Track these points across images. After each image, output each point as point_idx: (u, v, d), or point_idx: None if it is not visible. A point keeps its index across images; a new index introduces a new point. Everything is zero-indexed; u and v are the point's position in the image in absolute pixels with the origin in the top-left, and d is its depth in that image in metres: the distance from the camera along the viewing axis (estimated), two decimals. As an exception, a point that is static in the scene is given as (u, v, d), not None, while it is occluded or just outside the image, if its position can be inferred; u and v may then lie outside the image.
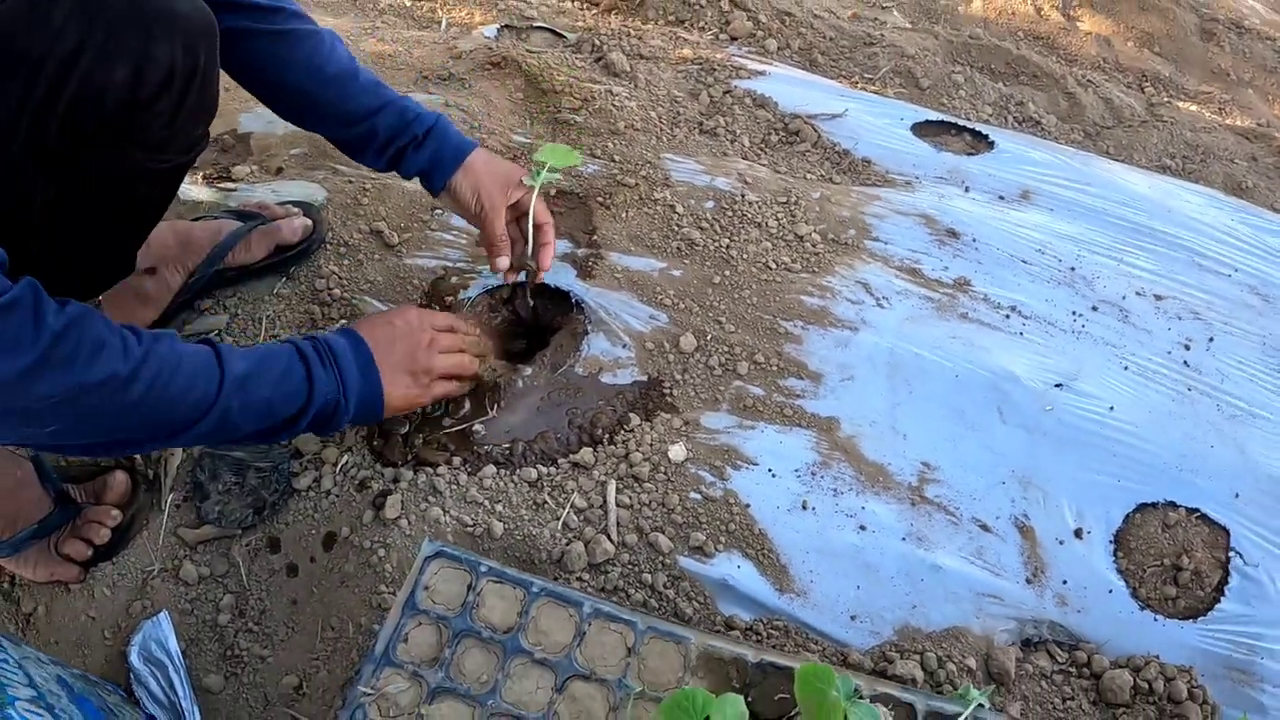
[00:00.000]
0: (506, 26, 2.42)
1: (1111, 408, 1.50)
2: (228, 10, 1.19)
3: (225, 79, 1.20)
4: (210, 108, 1.10)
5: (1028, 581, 1.31)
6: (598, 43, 2.31)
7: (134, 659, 1.16)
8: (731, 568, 1.27)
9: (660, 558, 1.27)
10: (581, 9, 2.67)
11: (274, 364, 1.09)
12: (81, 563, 1.24)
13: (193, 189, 1.70)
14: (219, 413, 1.01)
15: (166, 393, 0.96)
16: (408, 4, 2.58)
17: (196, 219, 1.56)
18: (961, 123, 2.16)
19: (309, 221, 1.57)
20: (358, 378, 1.16)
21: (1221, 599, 1.32)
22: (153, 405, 0.95)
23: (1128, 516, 1.39)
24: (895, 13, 2.91)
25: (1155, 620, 1.30)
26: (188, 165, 1.15)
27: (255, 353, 1.08)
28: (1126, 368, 1.58)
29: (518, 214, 1.46)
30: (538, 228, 1.45)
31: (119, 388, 0.92)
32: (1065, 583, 1.31)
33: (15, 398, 0.86)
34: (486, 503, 1.30)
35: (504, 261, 1.42)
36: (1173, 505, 1.41)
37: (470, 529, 1.26)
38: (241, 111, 1.91)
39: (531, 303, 1.57)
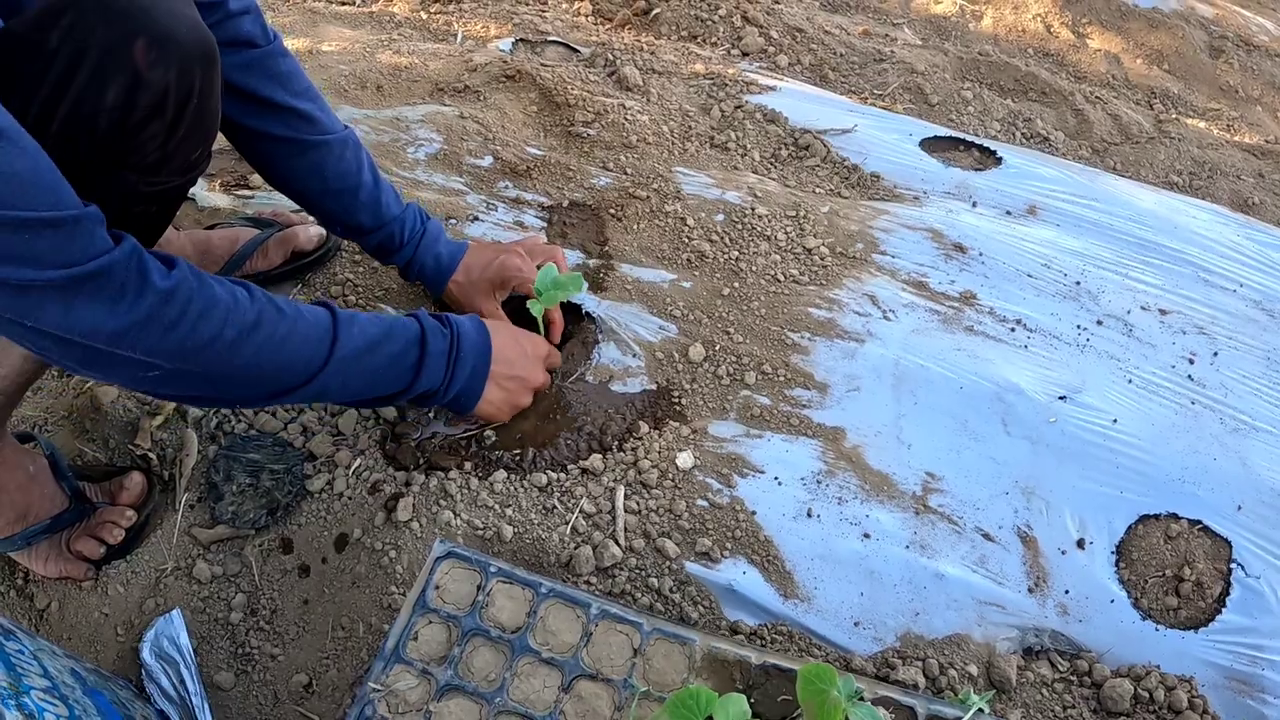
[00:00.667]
0: (521, 41, 2.45)
1: (1115, 420, 1.51)
2: (246, 106, 1.22)
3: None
4: (209, 131, 1.09)
5: (1030, 590, 1.32)
6: (611, 57, 2.34)
7: (146, 655, 1.18)
8: (737, 573, 1.29)
9: (667, 563, 1.29)
10: (596, 24, 2.71)
11: (389, 346, 1.15)
12: (94, 561, 1.25)
13: (211, 196, 1.74)
14: (318, 385, 1.07)
15: (271, 360, 1.01)
16: (424, 17, 2.62)
17: (213, 226, 1.59)
18: (970, 139, 2.18)
19: (323, 230, 1.60)
20: (465, 381, 1.26)
21: (1223, 610, 1.33)
22: (256, 370, 1.00)
23: (1130, 527, 1.40)
24: (906, 30, 2.94)
25: (1157, 630, 1.31)
26: (186, 186, 1.15)
27: (376, 327, 1.14)
28: (1130, 381, 1.59)
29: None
30: (548, 325, 1.52)
31: (224, 350, 0.96)
32: (1067, 592, 1.32)
33: (118, 348, 0.90)
34: (497, 507, 1.32)
35: None
36: (1175, 517, 1.42)
37: (480, 532, 1.28)
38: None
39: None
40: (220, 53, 1.03)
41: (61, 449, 1.31)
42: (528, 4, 2.80)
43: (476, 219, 1.76)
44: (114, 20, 0.91)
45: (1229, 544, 1.39)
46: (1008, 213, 1.96)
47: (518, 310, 1.49)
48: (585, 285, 1.55)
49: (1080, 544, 1.37)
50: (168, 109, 0.97)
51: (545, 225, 1.79)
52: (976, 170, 2.09)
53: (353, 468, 1.35)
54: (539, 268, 1.45)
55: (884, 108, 2.36)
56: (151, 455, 1.36)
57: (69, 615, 1.25)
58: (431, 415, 1.42)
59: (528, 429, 1.43)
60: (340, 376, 1.09)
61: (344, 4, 2.76)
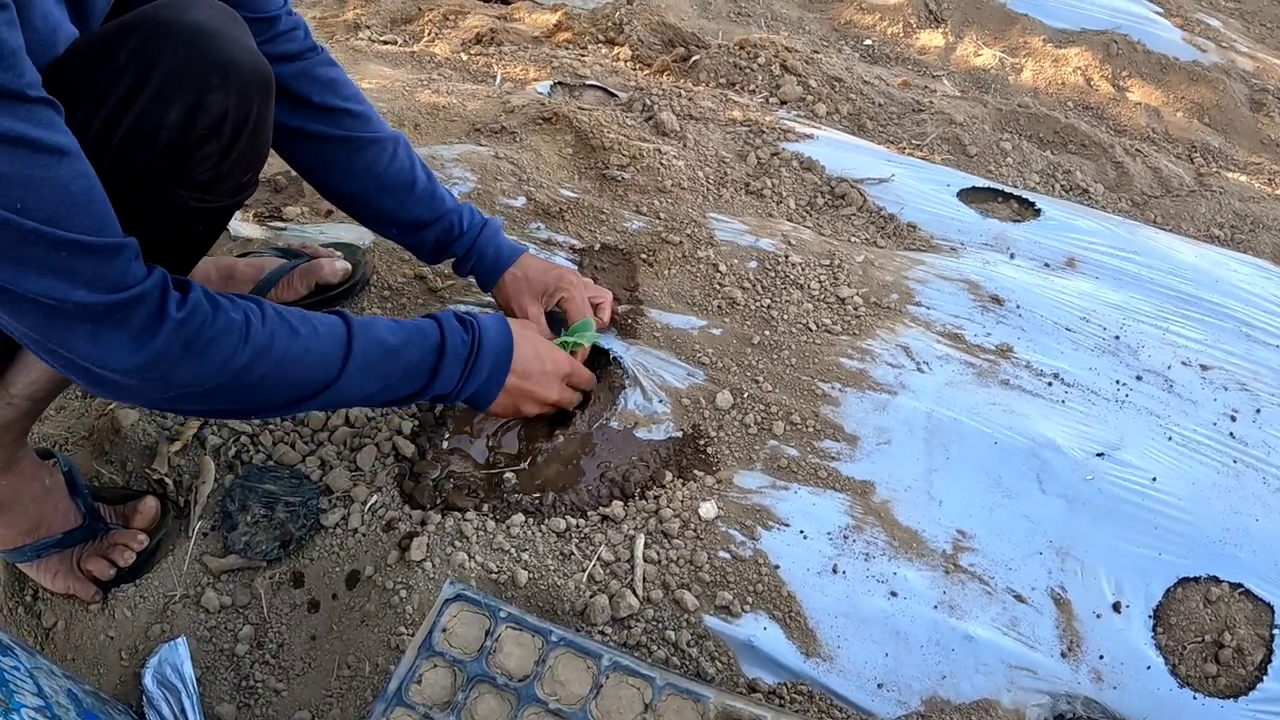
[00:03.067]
0: (560, 84, 2.47)
1: (1154, 479, 1.46)
2: (300, 111, 1.27)
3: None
4: (259, 156, 1.13)
5: (1063, 655, 1.26)
6: (649, 102, 2.35)
7: (148, 681, 1.16)
8: (758, 629, 1.24)
9: (685, 615, 1.25)
10: (634, 69, 2.73)
11: (409, 354, 1.15)
12: (103, 582, 1.25)
13: (244, 226, 1.75)
14: (332, 395, 1.08)
15: (286, 377, 1.03)
16: (464, 59, 2.65)
17: (243, 255, 1.60)
18: (1008, 190, 2.16)
19: (349, 265, 1.60)
20: (482, 382, 1.25)
21: (1264, 678, 1.27)
22: (270, 386, 1.02)
23: (1168, 590, 1.35)
24: (945, 81, 2.93)
25: (1195, 699, 1.25)
26: (233, 208, 1.18)
27: (394, 336, 1.15)
28: (1171, 438, 1.54)
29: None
30: None
31: (238, 372, 0.98)
32: (1102, 657, 1.27)
33: (141, 376, 0.92)
34: (513, 550, 1.29)
35: None
36: (1215, 580, 1.36)
37: (495, 576, 1.26)
38: (291, 167, 1.96)
39: None
40: (274, 65, 1.08)
41: (80, 469, 1.31)
42: (567, 48, 2.83)
43: (507, 258, 1.75)
44: (181, 44, 0.96)
45: (1271, 609, 1.33)
46: (1046, 265, 1.92)
47: None
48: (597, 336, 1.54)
49: (1116, 607, 1.32)
50: (225, 131, 1.01)
51: (576, 268, 1.78)
52: (1015, 221, 2.06)
53: (369, 504, 1.33)
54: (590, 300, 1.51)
55: (922, 158, 2.34)
56: (168, 481, 1.35)
57: (74, 636, 1.24)
58: (449, 454, 1.39)
59: (549, 474, 1.40)
60: (354, 385, 1.10)
61: (386, 43, 2.81)
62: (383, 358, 1.12)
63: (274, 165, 1.84)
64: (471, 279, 1.53)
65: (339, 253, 1.61)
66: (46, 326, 0.86)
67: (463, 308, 1.65)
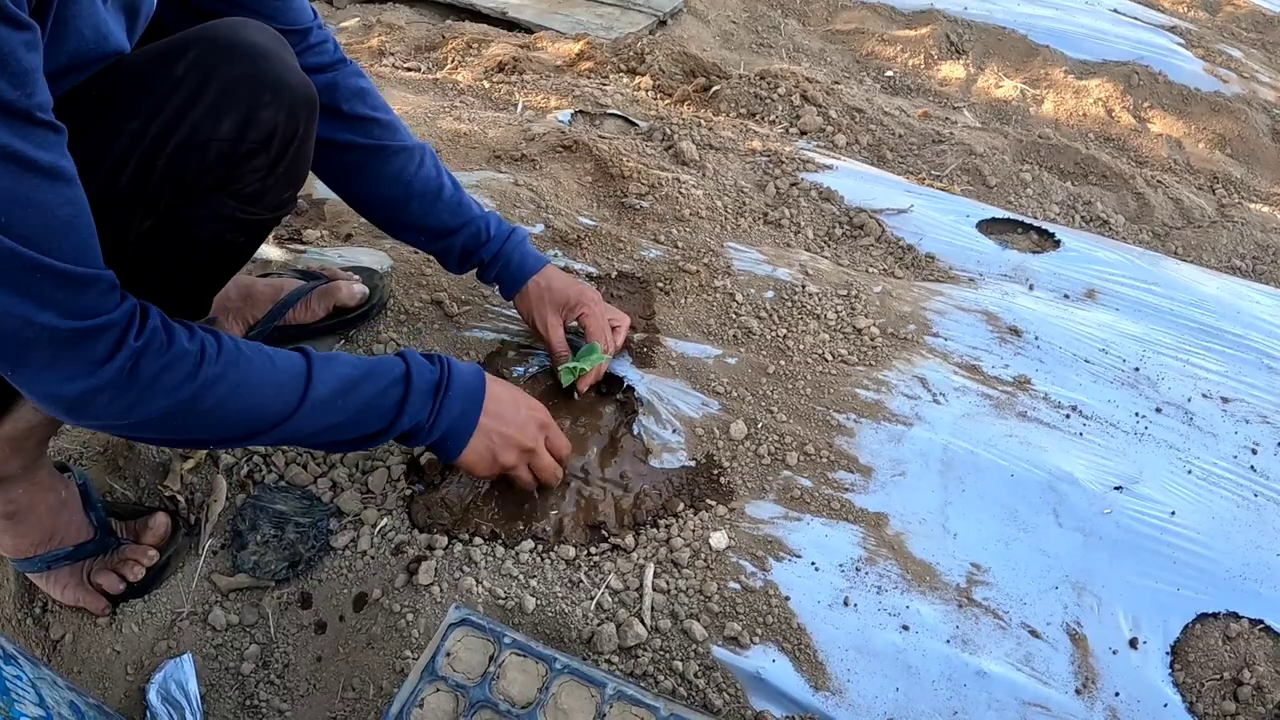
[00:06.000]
0: (580, 112, 2.49)
1: (1173, 513, 1.44)
2: (330, 120, 1.30)
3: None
4: (302, 173, 1.17)
5: (1077, 692, 1.23)
6: (669, 131, 2.36)
7: (152, 697, 1.16)
8: (766, 661, 1.23)
9: (693, 645, 1.23)
10: (655, 99, 2.74)
11: (369, 385, 1.13)
12: (112, 596, 1.25)
13: (265, 248, 1.77)
14: (289, 428, 1.06)
15: (235, 410, 1.01)
16: (486, 87, 2.68)
17: (263, 275, 1.62)
18: (1028, 221, 2.15)
19: (366, 289, 1.61)
20: (453, 422, 1.22)
21: (1286, 719, 1.23)
22: (218, 418, 1.01)
23: (1187, 627, 1.32)
24: (966, 113, 2.93)
25: (1214, 740, 1.22)
26: (273, 223, 1.21)
27: (356, 369, 1.13)
28: (1190, 471, 1.52)
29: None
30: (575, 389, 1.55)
31: (188, 400, 0.97)
32: (1118, 695, 1.24)
33: (91, 402, 0.92)
34: (521, 577, 1.28)
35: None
36: (1235, 616, 1.34)
37: (502, 601, 1.25)
38: (318, 178, 1.98)
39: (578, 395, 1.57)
40: (309, 77, 1.10)
41: (94, 483, 1.32)
42: (589, 77, 2.85)
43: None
44: (238, 61, 0.99)
45: (1293, 647, 1.30)
46: (1065, 296, 1.91)
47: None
48: (605, 358, 1.54)
49: (1133, 643, 1.29)
50: (273, 146, 1.04)
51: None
52: (1034, 253, 2.04)
53: (379, 527, 1.33)
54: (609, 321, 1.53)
55: (941, 188, 2.34)
56: (180, 498, 1.36)
57: (81, 648, 1.24)
58: (462, 483, 1.39)
59: (559, 501, 1.39)
60: (315, 418, 1.08)
61: (410, 70, 2.84)
62: (343, 389, 1.10)
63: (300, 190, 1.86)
64: (492, 293, 1.54)
65: (357, 276, 1.63)
66: (9, 346, 0.86)
67: (474, 331, 1.65)
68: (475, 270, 1.52)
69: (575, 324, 1.55)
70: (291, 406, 1.05)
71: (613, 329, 1.55)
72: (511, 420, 1.28)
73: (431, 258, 1.53)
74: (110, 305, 0.90)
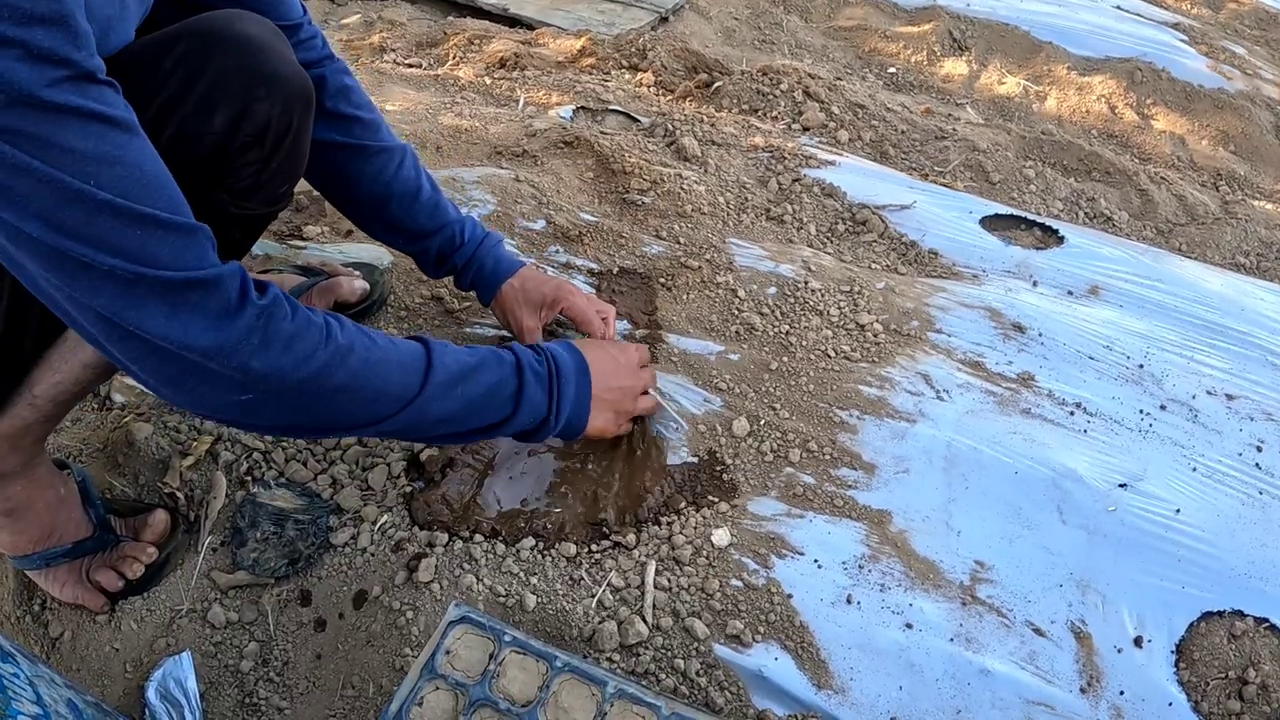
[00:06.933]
0: (582, 109, 2.48)
1: (1178, 510, 1.43)
2: (318, 120, 1.26)
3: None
4: (297, 168, 1.16)
5: (1082, 691, 1.23)
6: (671, 128, 2.35)
7: (151, 695, 1.15)
8: (768, 659, 1.22)
9: (695, 644, 1.23)
10: (657, 95, 2.74)
11: (487, 374, 1.12)
12: (111, 594, 1.25)
13: (265, 243, 1.76)
14: (415, 412, 1.04)
15: (366, 385, 0.99)
16: (488, 83, 2.67)
17: (264, 272, 1.61)
18: (1032, 217, 2.14)
19: (367, 285, 1.61)
20: (572, 402, 1.24)
21: (1291, 717, 1.23)
22: (348, 398, 0.98)
23: (1191, 625, 1.31)
24: (969, 109, 2.92)
25: (1219, 738, 1.21)
26: (269, 218, 1.20)
27: (473, 357, 1.12)
28: (1195, 469, 1.51)
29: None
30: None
31: (318, 371, 0.94)
32: (1122, 693, 1.23)
33: (214, 362, 0.88)
34: (521, 574, 1.28)
35: None
36: (1240, 614, 1.33)
37: (503, 599, 1.24)
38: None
39: None
40: None
41: (93, 480, 1.31)
42: (591, 74, 2.84)
43: (524, 280, 1.74)
44: (230, 53, 0.98)
45: (1298, 645, 1.30)
46: (1069, 293, 1.90)
47: None
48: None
49: (1138, 642, 1.28)
50: (266, 140, 1.03)
51: (594, 292, 1.77)
52: (1038, 249, 2.03)
53: (379, 524, 1.32)
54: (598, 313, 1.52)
55: (944, 185, 2.33)
56: (180, 495, 1.35)
57: (80, 646, 1.23)
58: (462, 480, 1.38)
59: (561, 498, 1.39)
60: (437, 403, 1.06)
61: (411, 66, 2.84)
62: (461, 375, 1.09)
63: (297, 185, 1.85)
64: (474, 294, 1.53)
65: (357, 272, 1.62)
66: (122, 305, 0.83)
67: (475, 328, 1.65)
68: (451, 277, 1.51)
69: (559, 319, 1.53)
70: (415, 388, 1.03)
71: (601, 319, 1.53)
72: (617, 374, 1.32)
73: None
74: (217, 261, 0.88)
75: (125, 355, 0.88)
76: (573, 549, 1.31)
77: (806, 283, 1.79)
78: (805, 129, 2.57)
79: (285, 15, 1.23)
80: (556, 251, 1.85)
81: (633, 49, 3.02)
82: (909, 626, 1.27)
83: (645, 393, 1.39)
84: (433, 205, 1.42)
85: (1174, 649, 1.29)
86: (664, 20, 3.54)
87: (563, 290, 1.51)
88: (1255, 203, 2.57)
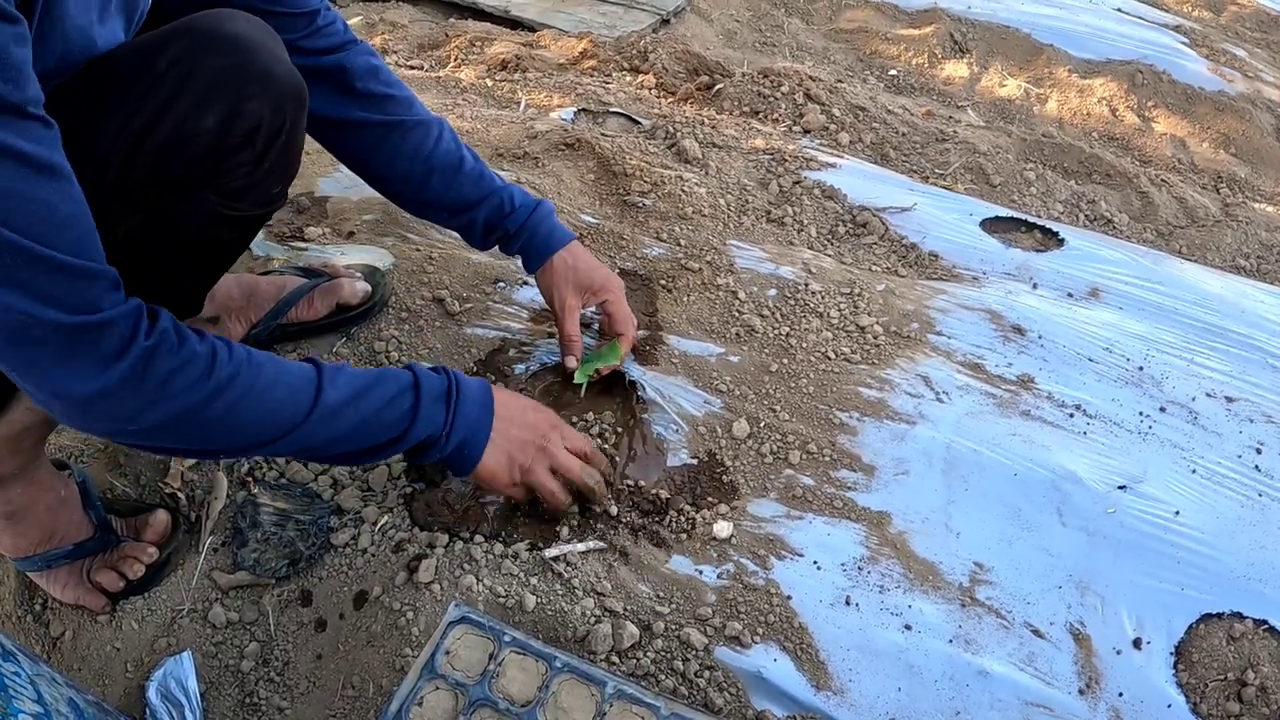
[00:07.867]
0: (583, 111, 2.49)
1: (1177, 512, 1.43)
2: (344, 100, 1.28)
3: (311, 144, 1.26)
4: (290, 168, 1.15)
5: (1080, 692, 1.23)
6: (671, 130, 2.35)
7: (151, 694, 1.15)
8: (767, 660, 1.22)
9: (694, 645, 1.23)
10: (658, 98, 2.74)
11: (381, 392, 1.10)
12: (112, 594, 1.25)
13: (267, 245, 1.76)
14: (303, 435, 1.03)
15: (246, 415, 0.98)
16: (489, 85, 2.67)
17: (265, 273, 1.62)
18: (1032, 220, 2.14)
19: (369, 287, 1.61)
20: (469, 428, 1.17)
21: (1289, 719, 1.23)
22: (230, 425, 0.98)
23: (1191, 627, 1.32)
24: (970, 112, 2.92)
25: (1217, 740, 1.21)
26: (263, 219, 1.20)
27: (364, 378, 1.10)
28: (1194, 471, 1.51)
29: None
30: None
31: (191, 408, 0.94)
32: (1121, 695, 1.23)
33: (102, 403, 0.89)
34: (521, 575, 1.28)
35: (572, 362, 1.50)
36: (1239, 616, 1.33)
37: (502, 600, 1.24)
38: (320, 176, 1.98)
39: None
40: (316, 57, 1.12)
41: (94, 481, 1.31)
42: (592, 76, 2.85)
43: (526, 284, 1.75)
44: (221, 53, 0.98)
45: (1296, 646, 1.30)
46: (1069, 295, 1.90)
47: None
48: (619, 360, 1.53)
49: (1137, 643, 1.29)
50: (259, 140, 1.02)
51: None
52: (1038, 251, 2.04)
53: (379, 525, 1.32)
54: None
55: (945, 187, 2.33)
56: (180, 495, 1.35)
57: (81, 646, 1.24)
58: (463, 481, 1.38)
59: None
60: (327, 426, 1.04)
61: (413, 68, 2.84)
62: (354, 396, 1.07)
63: (297, 186, 1.85)
64: (494, 290, 1.51)
65: (359, 274, 1.62)
66: (15, 345, 0.84)
67: (475, 329, 1.65)
68: (498, 244, 1.48)
69: (595, 311, 1.51)
70: (303, 412, 1.02)
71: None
72: (522, 422, 1.24)
73: (433, 255, 1.51)
74: (115, 302, 0.88)
75: (21, 383, 0.89)
76: (571, 549, 1.31)
77: (807, 285, 1.80)
78: (806, 131, 2.57)
79: (302, 3, 1.22)
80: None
81: (634, 51, 3.02)
82: (908, 628, 1.27)
83: (547, 451, 1.25)
84: (476, 175, 1.40)
85: (1173, 651, 1.29)
86: (665, 22, 3.55)
87: (612, 282, 1.49)
88: (1256, 205, 2.57)
